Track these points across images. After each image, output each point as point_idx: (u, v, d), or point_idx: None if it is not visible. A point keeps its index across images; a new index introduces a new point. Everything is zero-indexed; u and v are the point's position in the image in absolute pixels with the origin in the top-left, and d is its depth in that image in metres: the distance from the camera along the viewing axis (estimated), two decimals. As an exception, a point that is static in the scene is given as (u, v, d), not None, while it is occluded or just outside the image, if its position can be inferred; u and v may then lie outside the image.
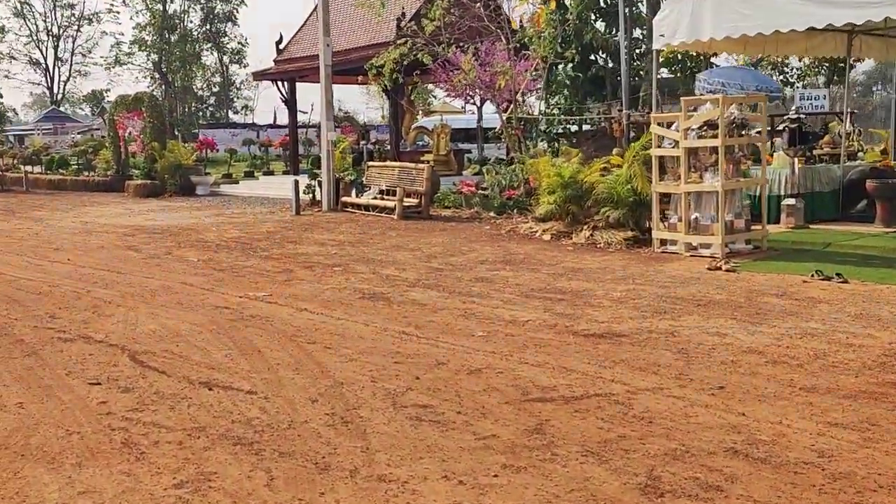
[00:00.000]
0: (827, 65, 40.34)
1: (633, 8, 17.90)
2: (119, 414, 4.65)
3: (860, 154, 14.29)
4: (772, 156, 12.30)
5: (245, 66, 61.84)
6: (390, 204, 15.50)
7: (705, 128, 9.79)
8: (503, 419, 4.42)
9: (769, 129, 12.62)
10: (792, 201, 11.82)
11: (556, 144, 19.02)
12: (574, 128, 19.34)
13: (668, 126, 10.38)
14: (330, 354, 5.85)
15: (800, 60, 40.75)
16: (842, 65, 42.24)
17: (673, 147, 10.22)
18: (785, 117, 11.95)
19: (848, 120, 14.45)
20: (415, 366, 5.50)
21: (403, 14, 20.12)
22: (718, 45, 10.56)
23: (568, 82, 19.35)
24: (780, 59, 34.67)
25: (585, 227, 11.70)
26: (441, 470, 3.78)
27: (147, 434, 4.32)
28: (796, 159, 12.04)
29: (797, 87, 30.71)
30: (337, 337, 6.37)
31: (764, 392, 4.72)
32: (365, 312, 7.26)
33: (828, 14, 8.61)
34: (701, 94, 14.29)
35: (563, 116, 19.21)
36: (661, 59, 17.80)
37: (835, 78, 41.45)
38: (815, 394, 4.67)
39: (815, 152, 13.32)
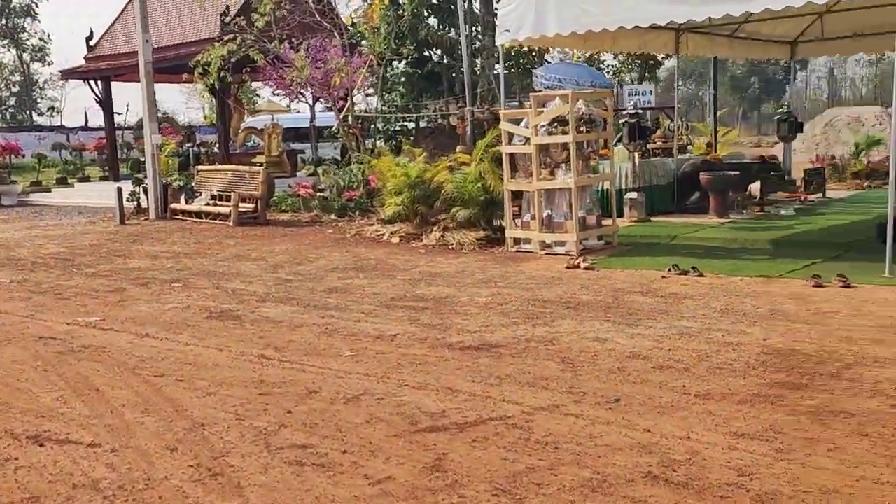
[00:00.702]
0: (639, 61, 42.54)
1: (469, 4, 17.83)
2: (-72, 488, 3.81)
3: (689, 147, 14.85)
4: (608, 150, 12.48)
5: (49, 65, 57.40)
6: (224, 210, 14.60)
7: (555, 124, 9.71)
8: (396, 456, 3.96)
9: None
10: (634, 195, 12.04)
11: (394, 142, 18.69)
12: (411, 125, 19.08)
13: (518, 122, 10.24)
14: (183, 389, 5.17)
15: (614, 57, 42.67)
16: (651, 62, 44.67)
17: (523, 144, 10.09)
18: (625, 112, 12.16)
19: (676, 115, 14.97)
20: (283, 397, 4.93)
21: (228, 8, 19.08)
22: (563, 40, 10.54)
23: (403, 79, 19.06)
24: (595, 56, 36.14)
25: (436, 227, 11.40)
26: (337, 527, 3.29)
27: (-33, 513, 3.55)
28: (636, 153, 12.27)
29: (615, 83, 31.99)
30: (188, 366, 5.67)
31: (661, 402, 4.53)
32: (215, 335, 6.58)
33: (670, 10, 8.69)
34: (539, 91, 14.34)
35: (399, 114, 18.89)
36: (496, 56, 17.84)
37: (646, 74, 43.77)
38: (711, 401, 4.53)
39: (648, 146, 13.67)
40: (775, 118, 15.41)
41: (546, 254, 9.85)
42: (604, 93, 10.78)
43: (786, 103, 16.55)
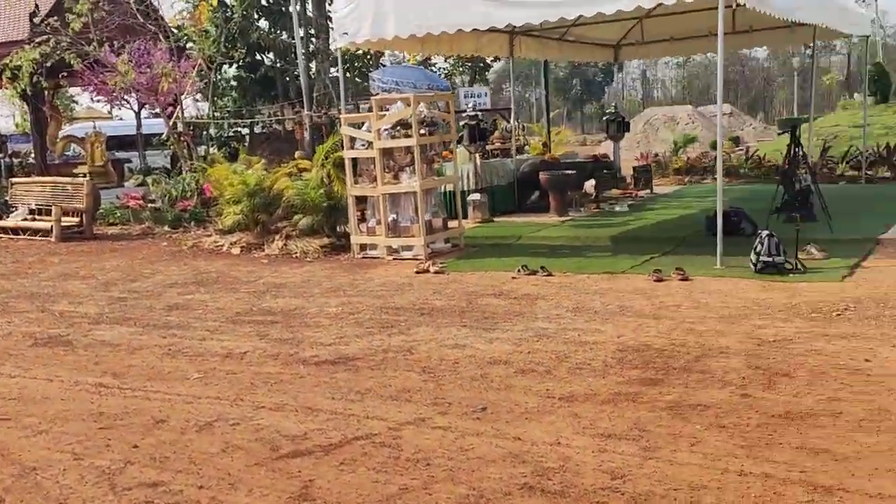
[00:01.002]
0: (470, 64, 43.33)
1: (303, 6, 17.42)
2: None
3: (526, 148, 15.19)
4: (450, 152, 12.56)
5: None
6: (45, 225, 13.53)
7: (398, 127, 9.61)
8: (258, 487, 3.70)
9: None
10: (477, 196, 12.15)
11: (228, 149, 18.04)
12: (246, 131, 18.46)
13: (360, 126, 10.06)
14: (8, 428, 4.65)
15: (445, 60, 43.32)
16: (481, 65, 45.41)
17: (366, 148, 9.93)
18: (464, 114, 12.25)
19: (513, 116, 15.28)
20: (127, 429, 4.53)
21: (37, 8, 17.73)
22: (401, 43, 10.47)
23: (235, 83, 18.41)
24: (427, 59, 36.55)
25: (278, 236, 11.03)
26: (200, 574, 3.01)
27: None
28: (477, 155, 12.39)
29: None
30: (13, 402, 5.13)
31: (527, 408, 4.50)
32: (44, 363, 6.01)
33: (508, 14, 8.79)
34: (376, 94, 14.24)
35: (233, 120, 18.23)
36: (331, 59, 17.60)
37: (477, 77, 44.61)
38: (575, 403, 4.54)
39: (488, 148, 13.86)
40: (604, 118, 16.04)
41: (394, 259, 9.74)
42: (445, 95, 10.81)
43: (614, 104, 17.25)
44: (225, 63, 17.32)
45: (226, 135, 18.35)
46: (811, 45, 15.03)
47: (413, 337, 6.14)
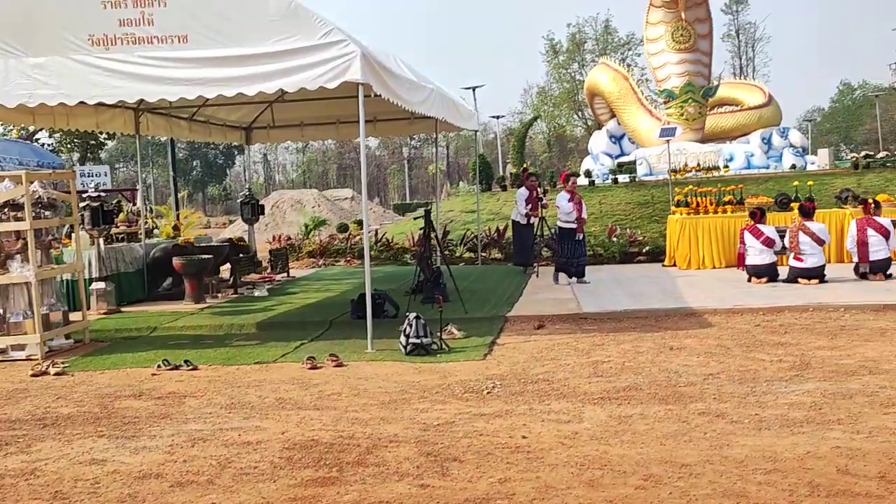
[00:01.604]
0: (79, 141, 40.57)
1: None
2: None
3: (155, 231, 14.23)
4: (69, 237, 11.30)
5: None
6: None
7: (6, 209, 8.35)
8: None
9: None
10: (101, 285, 11.02)
11: None
12: None
13: (-44, 207, 8.57)
14: None
15: (50, 136, 40.03)
16: (93, 142, 42.78)
17: (-36, 232, 8.47)
18: (85, 195, 11.08)
19: (141, 197, 14.26)
20: None
21: None
22: (7, 113, 9.18)
23: None
24: (32, 133, 33.56)
25: None
26: None
27: None
28: (101, 239, 11.26)
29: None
30: None
31: (193, 530, 3.90)
32: None
33: (139, 89, 8.12)
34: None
35: None
36: None
37: (89, 155, 41.83)
38: (248, 516, 4.04)
39: (112, 231, 12.72)
40: (239, 201, 15.65)
41: (1, 361, 8.33)
42: (66, 174, 9.71)
43: (248, 186, 16.95)
44: None
45: None
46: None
47: (36, 455, 5.14)
